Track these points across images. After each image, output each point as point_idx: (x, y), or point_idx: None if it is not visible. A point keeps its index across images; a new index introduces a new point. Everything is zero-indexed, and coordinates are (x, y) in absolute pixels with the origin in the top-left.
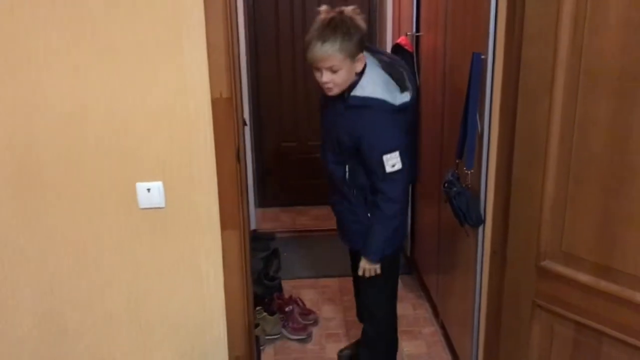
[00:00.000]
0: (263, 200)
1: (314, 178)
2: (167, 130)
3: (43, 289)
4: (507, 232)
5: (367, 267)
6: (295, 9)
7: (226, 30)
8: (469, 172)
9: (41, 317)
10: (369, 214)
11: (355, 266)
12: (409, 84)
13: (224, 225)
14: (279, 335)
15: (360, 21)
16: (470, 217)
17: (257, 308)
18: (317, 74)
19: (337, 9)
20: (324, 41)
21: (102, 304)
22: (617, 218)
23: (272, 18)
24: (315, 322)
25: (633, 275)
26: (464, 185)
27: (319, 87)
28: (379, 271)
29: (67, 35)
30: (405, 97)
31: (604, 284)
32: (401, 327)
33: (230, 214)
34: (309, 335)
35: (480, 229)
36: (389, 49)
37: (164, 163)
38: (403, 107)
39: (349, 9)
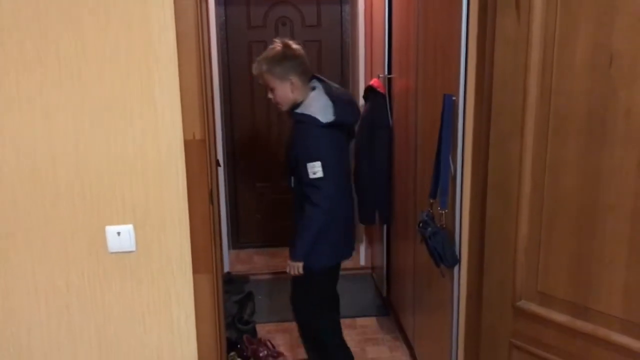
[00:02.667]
0: (236, 242)
1: (288, 219)
2: (139, 172)
3: (9, 334)
4: (482, 272)
5: (290, 264)
6: None
7: (199, 72)
8: (443, 212)
9: None
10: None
11: None
12: (344, 113)
13: (196, 269)
14: None
15: (296, 51)
16: (446, 258)
17: (231, 353)
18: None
19: (282, 41)
20: (257, 62)
21: (70, 351)
22: (590, 257)
23: (245, 60)
24: None
25: (607, 314)
26: (438, 225)
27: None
28: (300, 271)
29: (37, 78)
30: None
31: (579, 324)
32: None
33: (202, 258)
34: None
35: (456, 269)
36: (361, 90)
37: (134, 206)
38: (333, 124)
39: (288, 42)
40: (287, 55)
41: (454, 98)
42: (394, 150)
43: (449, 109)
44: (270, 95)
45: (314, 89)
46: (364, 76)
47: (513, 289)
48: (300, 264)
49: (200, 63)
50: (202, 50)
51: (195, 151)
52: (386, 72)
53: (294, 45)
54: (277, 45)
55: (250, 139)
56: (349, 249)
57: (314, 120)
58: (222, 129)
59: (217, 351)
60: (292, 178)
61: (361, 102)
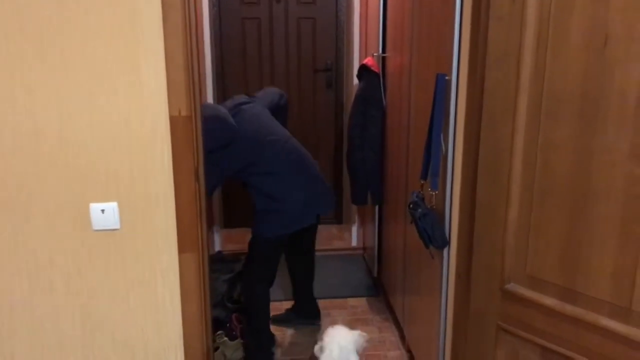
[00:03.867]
0: (228, 221)
1: None
2: (123, 149)
3: None
4: (471, 255)
5: None
6: (262, 28)
7: (186, 46)
8: (434, 193)
9: None
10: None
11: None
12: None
13: (181, 248)
14: None
15: None
16: (436, 239)
17: (218, 332)
18: None
19: None
20: None
21: (53, 330)
22: (580, 241)
23: (239, 36)
24: None
25: (596, 298)
26: (429, 207)
27: None
28: None
29: (18, 51)
30: None
31: (568, 308)
32: (367, 350)
33: (188, 236)
34: None
35: (445, 251)
36: (355, 69)
37: (119, 183)
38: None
39: None
40: None
41: (447, 77)
42: (387, 130)
43: (441, 88)
44: None
45: None
46: (359, 54)
47: (502, 272)
48: None
49: (186, 37)
50: (189, 24)
51: (181, 128)
52: (380, 51)
53: None
54: None
55: None
56: (297, 223)
57: None
58: None
59: (203, 330)
60: None
61: (355, 81)
